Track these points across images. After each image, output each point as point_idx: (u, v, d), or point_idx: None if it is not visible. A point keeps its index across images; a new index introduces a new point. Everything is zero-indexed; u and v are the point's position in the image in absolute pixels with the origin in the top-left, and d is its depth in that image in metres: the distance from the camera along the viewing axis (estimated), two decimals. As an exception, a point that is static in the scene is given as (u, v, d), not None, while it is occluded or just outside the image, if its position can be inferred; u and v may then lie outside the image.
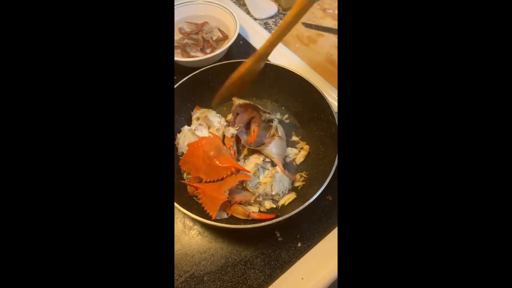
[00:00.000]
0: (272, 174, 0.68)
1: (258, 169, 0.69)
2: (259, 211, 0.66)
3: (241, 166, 0.66)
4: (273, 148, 0.71)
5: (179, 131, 0.75)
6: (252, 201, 0.66)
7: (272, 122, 0.74)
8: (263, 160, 0.69)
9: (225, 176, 0.65)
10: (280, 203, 0.67)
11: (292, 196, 0.68)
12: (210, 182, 0.66)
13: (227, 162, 0.66)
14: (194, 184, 0.67)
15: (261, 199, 0.67)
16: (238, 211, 0.64)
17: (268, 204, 0.67)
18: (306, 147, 0.75)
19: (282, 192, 0.68)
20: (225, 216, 0.64)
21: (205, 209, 0.63)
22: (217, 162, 0.66)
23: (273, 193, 0.67)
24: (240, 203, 0.65)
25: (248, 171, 0.66)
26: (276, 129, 0.73)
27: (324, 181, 0.60)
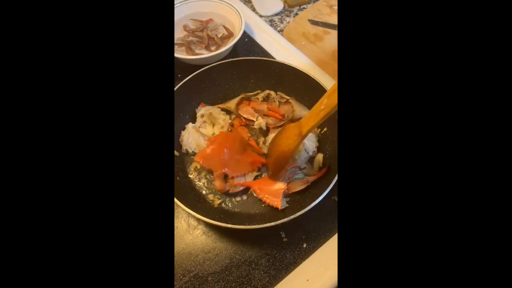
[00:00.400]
0: None
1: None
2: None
3: (265, 159, 0.69)
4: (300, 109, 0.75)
5: (183, 129, 0.74)
6: (299, 172, 0.69)
7: (270, 96, 0.77)
8: None
9: (251, 171, 0.68)
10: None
11: (320, 157, 0.71)
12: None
13: (251, 158, 0.69)
14: (246, 184, 0.68)
15: (304, 166, 0.69)
16: (296, 184, 0.66)
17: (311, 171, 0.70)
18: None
19: (316, 146, 0.72)
20: (284, 203, 0.65)
21: (268, 204, 0.65)
22: (243, 157, 0.68)
23: (310, 153, 0.70)
24: (293, 178, 0.68)
25: None
26: (277, 95, 0.76)
27: (330, 182, 0.59)
